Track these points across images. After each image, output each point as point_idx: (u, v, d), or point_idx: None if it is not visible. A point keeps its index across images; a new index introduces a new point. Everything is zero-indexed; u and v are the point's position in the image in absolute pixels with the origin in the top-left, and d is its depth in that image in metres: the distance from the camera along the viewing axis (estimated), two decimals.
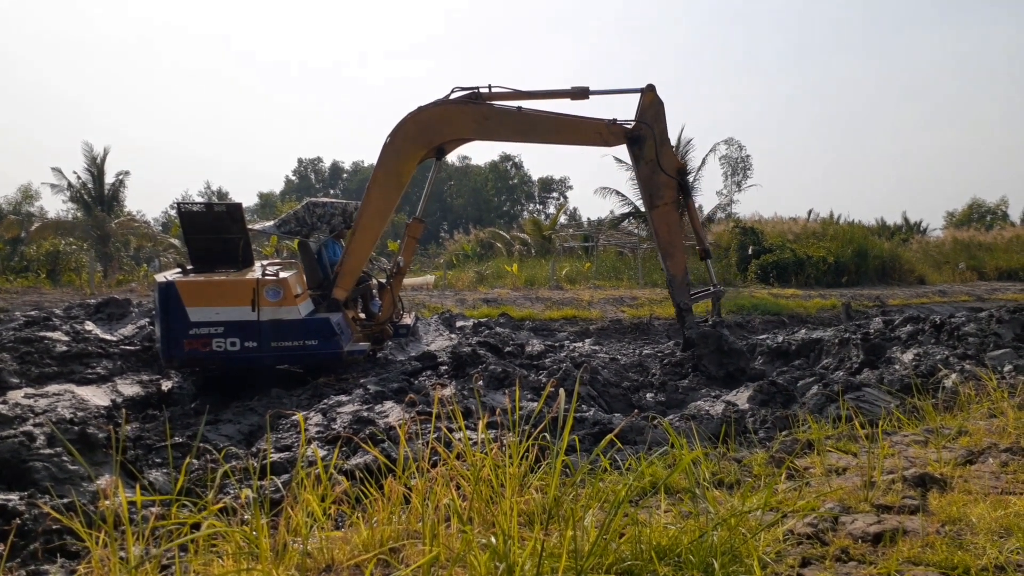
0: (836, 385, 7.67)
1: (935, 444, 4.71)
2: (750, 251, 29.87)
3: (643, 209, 28.62)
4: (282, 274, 9.52)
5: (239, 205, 10.39)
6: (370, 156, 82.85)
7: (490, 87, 10.26)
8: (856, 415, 5.42)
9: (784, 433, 5.72)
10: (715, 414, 7.15)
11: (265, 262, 10.63)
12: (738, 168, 40.26)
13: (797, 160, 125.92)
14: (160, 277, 9.61)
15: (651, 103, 10.56)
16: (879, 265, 31.54)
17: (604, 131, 10.54)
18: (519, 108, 10.28)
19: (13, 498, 4.24)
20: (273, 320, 9.35)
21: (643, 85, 10.56)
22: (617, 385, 8.95)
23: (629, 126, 10.55)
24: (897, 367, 8.84)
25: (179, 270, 9.95)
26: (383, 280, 11.28)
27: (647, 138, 10.54)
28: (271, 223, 11.82)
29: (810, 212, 41.54)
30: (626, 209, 29.43)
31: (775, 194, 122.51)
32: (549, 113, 10.45)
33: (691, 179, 28.08)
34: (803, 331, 13.80)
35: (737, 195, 34.60)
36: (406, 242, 11.12)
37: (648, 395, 9.09)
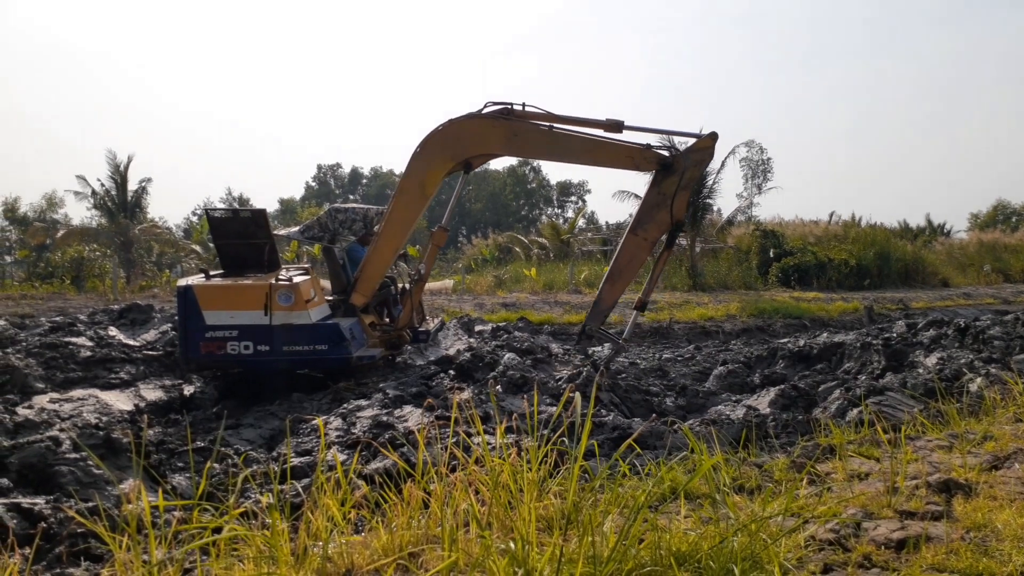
0: (858, 389, 7.59)
1: (960, 449, 4.65)
2: (771, 254, 29.68)
3: None
4: (296, 279, 9.58)
5: (263, 211, 10.49)
6: (388, 162, 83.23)
7: (524, 104, 10.12)
8: (879, 420, 5.36)
9: (805, 438, 5.67)
10: (736, 419, 7.10)
11: (292, 267, 10.72)
12: (758, 170, 39.98)
13: (819, 162, 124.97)
14: (182, 281, 9.77)
15: (704, 148, 10.14)
16: (902, 268, 31.21)
17: (637, 156, 10.19)
18: (551, 127, 10.11)
19: (39, 502, 4.30)
20: (284, 325, 9.46)
21: (704, 133, 10.18)
22: (637, 390, 8.92)
23: (663, 152, 10.20)
24: (921, 371, 8.74)
25: (202, 274, 10.09)
26: (407, 285, 11.32)
27: (677, 172, 10.09)
28: (296, 229, 11.95)
29: (831, 214, 41.27)
30: None
31: (796, 196, 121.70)
32: (581, 133, 10.24)
33: (710, 182, 27.90)
34: (825, 335, 13.67)
35: (757, 198, 34.26)
36: (429, 250, 11.04)
37: (668, 400, 9.04)
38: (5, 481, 4.66)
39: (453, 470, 3.50)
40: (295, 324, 9.49)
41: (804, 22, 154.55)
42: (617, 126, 10.12)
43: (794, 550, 3.00)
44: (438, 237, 10.93)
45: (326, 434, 6.47)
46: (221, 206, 74.91)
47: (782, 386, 8.42)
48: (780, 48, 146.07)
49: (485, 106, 10.14)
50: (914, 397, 7.12)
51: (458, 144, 10.15)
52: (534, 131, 10.13)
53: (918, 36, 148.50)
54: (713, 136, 10.09)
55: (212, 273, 10.11)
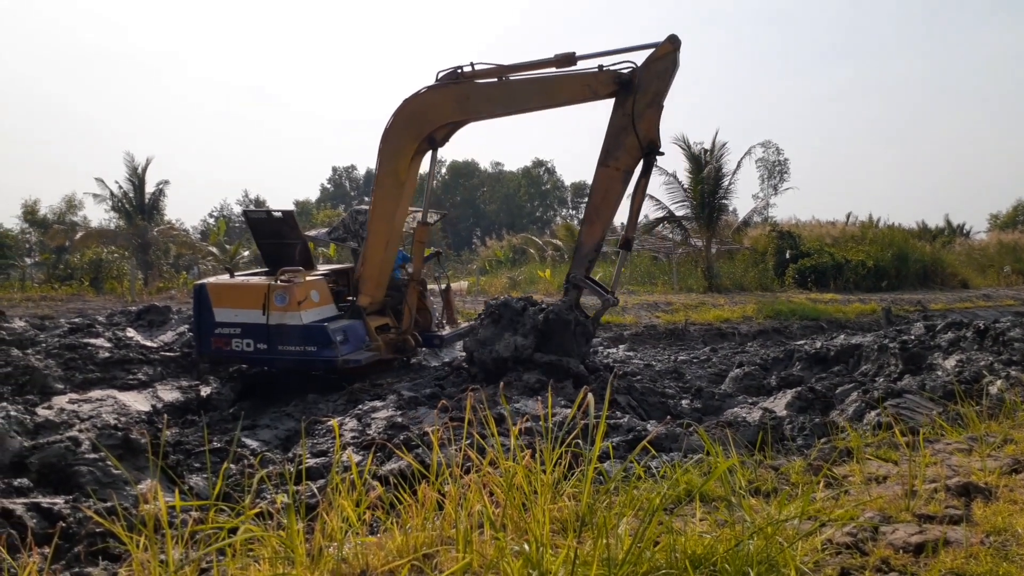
0: (876, 392, 7.52)
1: (979, 452, 4.60)
2: (788, 255, 29.50)
3: (678, 213, 28.56)
4: (295, 280, 9.86)
5: (292, 212, 10.99)
6: None
7: (472, 64, 9.67)
8: (896, 422, 5.31)
9: (823, 440, 5.63)
10: (752, 421, 7.06)
11: (328, 267, 10.88)
12: (775, 171, 39.64)
13: (836, 162, 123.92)
14: (200, 280, 10.34)
15: (664, 56, 9.08)
16: (920, 269, 30.93)
17: (592, 81, 9.34)
18: (499, 79, 9.62)
19: (59, 501, 4.34)
20: (279, 324, 9.74)
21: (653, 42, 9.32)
22: (653, 392, 8.88)
23: (621, 71, 9.26)
24: (939, 373, 8.65)
25: (227, 274, 10.46)
26: (440, 287, 11.21)
27: (638, 88, 9.11)
28: (324, 230, 12.19)
29: (848, 215, 40.86)
30: (660, 214, 28.99)
31: (813, 197, 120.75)
32: (531, 75, 9.67)
33: (726, 183, 27.74)
34: (842, 336, 13.57)
35: (774, 198, 34.03)
36: (415, 249, 10.82)
37: (684, 402, 9.00)
38: (25, 481, 4.71)
39: (467, 471, 3.51)
40: (287, 324, 9.75)
41: (820, 20, 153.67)
42: (568, 58, 9.46)
43: (811, 554, 2.98)
44: (420, 234, 10.69)
45: (342, 435, 6.50)
46: (239, 208, 75.33)
47: (799, 388, 8.36)
48: (796, 46, 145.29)
49: (437, 76, 9.81)
50: (933, 400, 7.05)
51: (417, 120, 9.94)
52: (485, 87, 9.73)
53: (937, 35, 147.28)
54: (673, 40, 9.18)
55: (238, 273, 10.37)
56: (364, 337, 10.26)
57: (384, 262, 10.47)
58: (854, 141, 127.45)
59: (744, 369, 10.81)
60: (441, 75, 9.83)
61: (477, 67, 9.73)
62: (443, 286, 12.40)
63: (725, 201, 28.50)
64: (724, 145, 27.85)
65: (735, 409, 8.14)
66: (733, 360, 12.56)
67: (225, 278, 10.22)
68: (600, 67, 9.39)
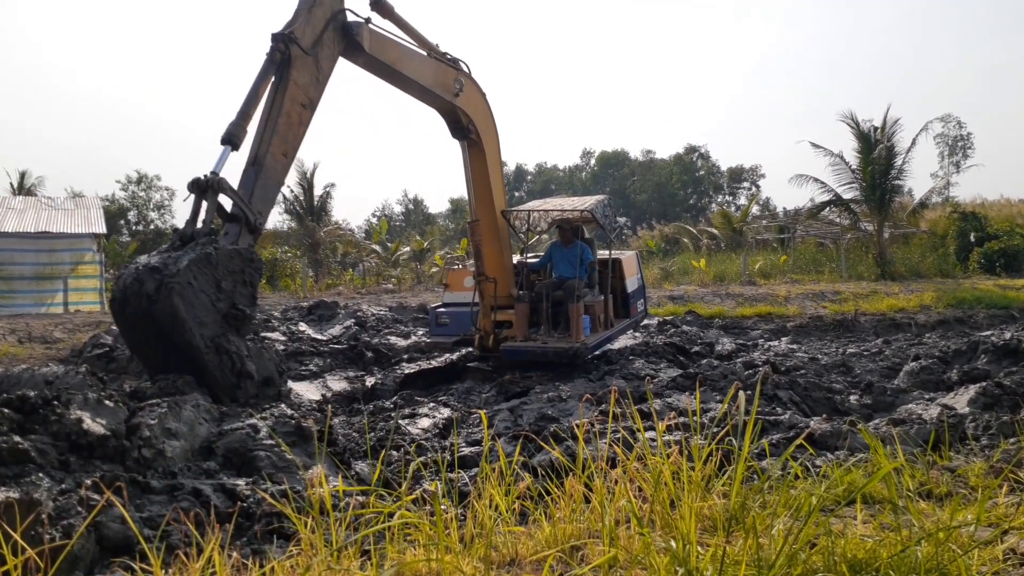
0: None
1: None
2: (972, 238, 27.10)
3: (845, 196, 26.80)
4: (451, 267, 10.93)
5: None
6: (552, 158, 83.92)
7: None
8: None
9: (1011, 441, 5.13)
10: (928, 418, 6.56)
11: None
12: (956, 147, 36.51)
13: None
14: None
15: None
16: None
17: None
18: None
19: (240, 483, 4.74)
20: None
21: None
22: (818, 387, 8.44)
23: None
24: None
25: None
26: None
27: None
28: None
29: None
30: (826, 197, 27.38)
31: (1001, 174, 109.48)
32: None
33: (899, 162, 25.70)
34: None
35: (955, 177, 31.44)
36: (472, 248, 10.33)
37: (852, 398, 8.50)
38: (212, 464, 5.18)
39: (613, 466, 3.50)
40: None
41: None
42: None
43: (989, 564, 2.73)
44: (472, 231, 10.27)
45: (493, 426, 6.67)
46: (399, 208, 78.73)
47: (984, 383, 7.65)
48: (976, 10, 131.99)
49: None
50: None
51: None
52: None
53: None
54: None
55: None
56: (469, 325, 11.01)
57: (491, 256, 10.22)
58: None
59: (921, 362, 10.04)
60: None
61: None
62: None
63: (899, 182, 26.52)
64: (897, 121, 25.91)
65: (909, 406, 7.59)
66: (908, 353, 11.71)
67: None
68: None
